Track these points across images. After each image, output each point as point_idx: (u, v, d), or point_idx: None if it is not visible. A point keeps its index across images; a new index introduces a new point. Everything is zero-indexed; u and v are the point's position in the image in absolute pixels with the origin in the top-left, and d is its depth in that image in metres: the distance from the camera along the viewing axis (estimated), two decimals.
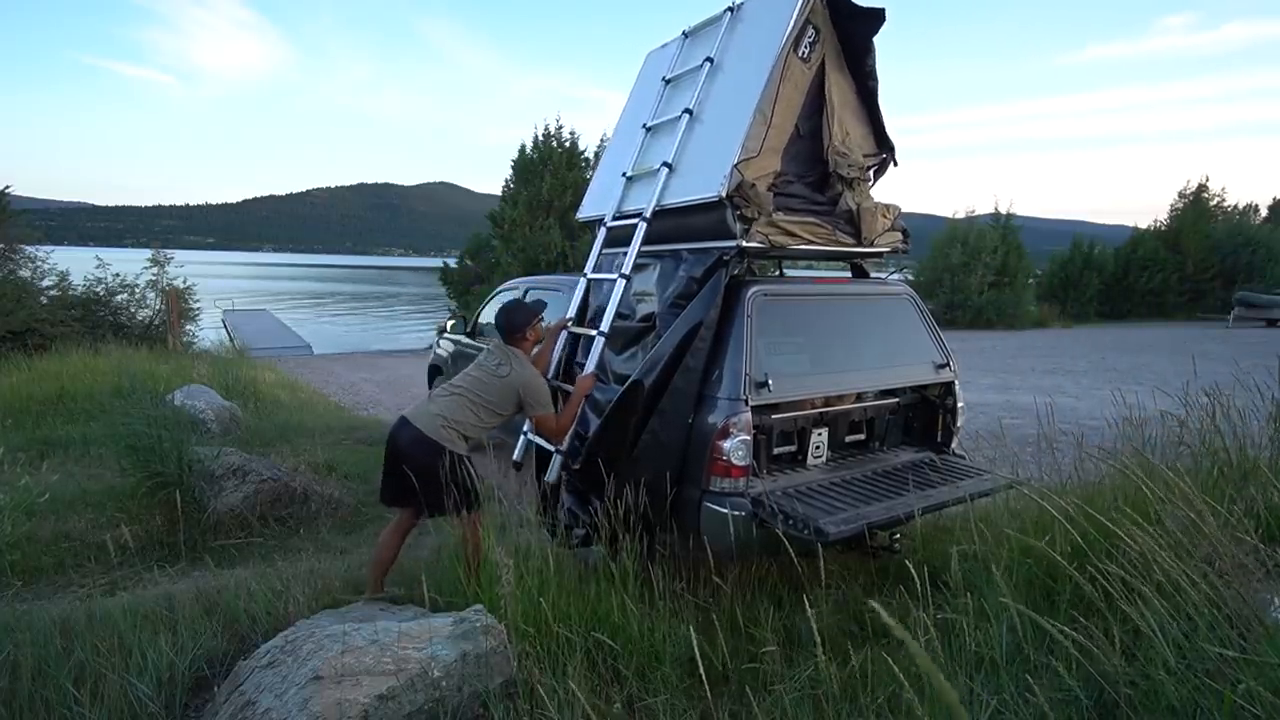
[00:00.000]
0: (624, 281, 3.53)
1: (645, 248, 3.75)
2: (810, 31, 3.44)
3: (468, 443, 3.13)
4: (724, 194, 3.14)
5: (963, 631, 2.14)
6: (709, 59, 3.74)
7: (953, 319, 21.74)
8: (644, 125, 4.01)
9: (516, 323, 3.31)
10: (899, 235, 3.79)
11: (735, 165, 3.15)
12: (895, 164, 3.83)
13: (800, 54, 3.43)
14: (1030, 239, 24.97)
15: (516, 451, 3.70)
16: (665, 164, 3.60)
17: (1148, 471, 2.37)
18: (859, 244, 3.60)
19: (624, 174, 3.95)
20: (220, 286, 36.37)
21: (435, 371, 6.79)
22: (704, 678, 1.81)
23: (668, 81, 4.05)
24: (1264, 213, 32.04)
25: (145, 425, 4.28)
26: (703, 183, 3.30)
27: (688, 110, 3.67)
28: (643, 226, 3.55)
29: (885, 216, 3.68)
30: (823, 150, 3.56)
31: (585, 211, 4.40)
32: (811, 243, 3.43)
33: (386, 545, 3.18)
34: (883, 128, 3.78)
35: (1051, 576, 2.32)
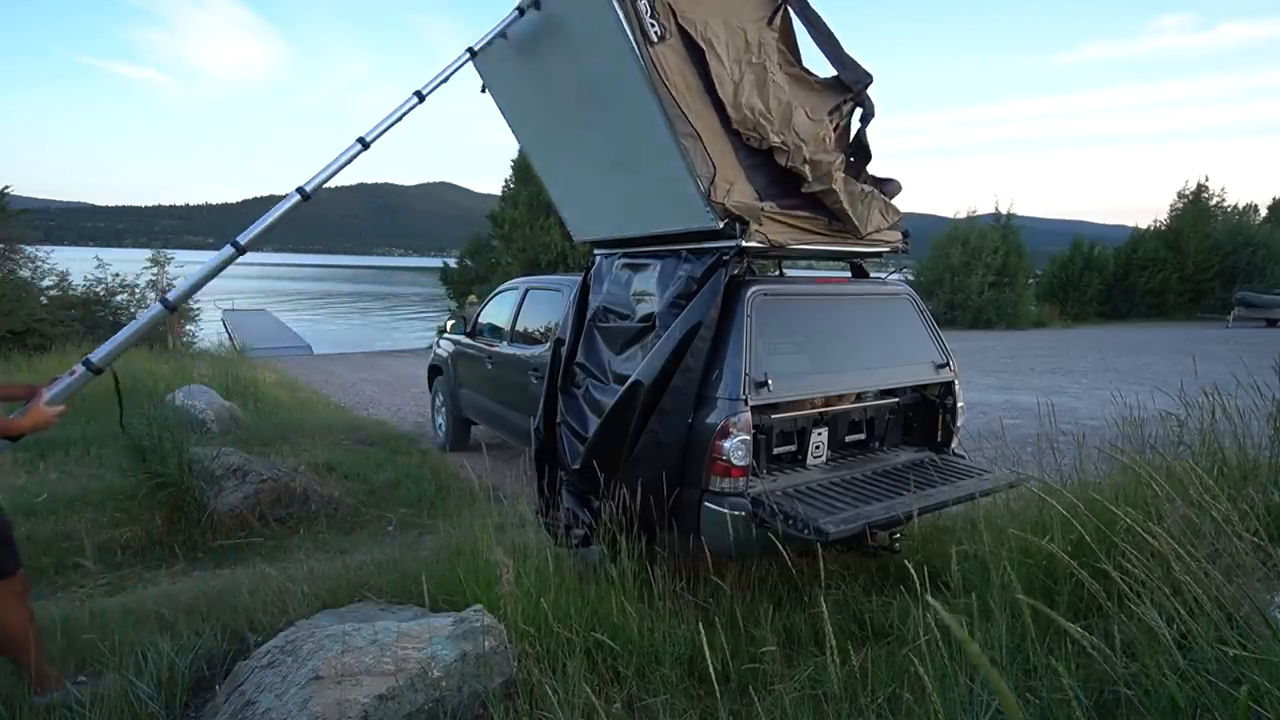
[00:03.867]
0: (298, 195, 2.69)
1: (644, 248, 3.73)
2: (644, 5, 2.87)
3: None
4: (720, 224, 3.08)
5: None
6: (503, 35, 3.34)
7: (953, 319, 21.77)
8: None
9: None
10: (899, 235, 3.77)
11: (708, 199, 3.04)
12: (803, 12, 3.35)
13: (654, 37, 2.90)
14: (1030, 239, 25.01)
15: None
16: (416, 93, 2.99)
17: (1154, 469, 2.36)
18: (851, 231, 3.49)
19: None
20: (220, 286, 36.28)
21: (435, 372, 6.79)
22: (710, 677, 1.80)
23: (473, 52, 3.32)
24: (1264, 213, 32.06)
25: (145, 425, 4.28)
26: (688, 214, 3.19)
27: (417, 94, 3.01)
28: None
29: (884, 215, 3.61)
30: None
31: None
32: (811, 235, 3.38)
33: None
34: None
35: (1051, 577, 2.31)
